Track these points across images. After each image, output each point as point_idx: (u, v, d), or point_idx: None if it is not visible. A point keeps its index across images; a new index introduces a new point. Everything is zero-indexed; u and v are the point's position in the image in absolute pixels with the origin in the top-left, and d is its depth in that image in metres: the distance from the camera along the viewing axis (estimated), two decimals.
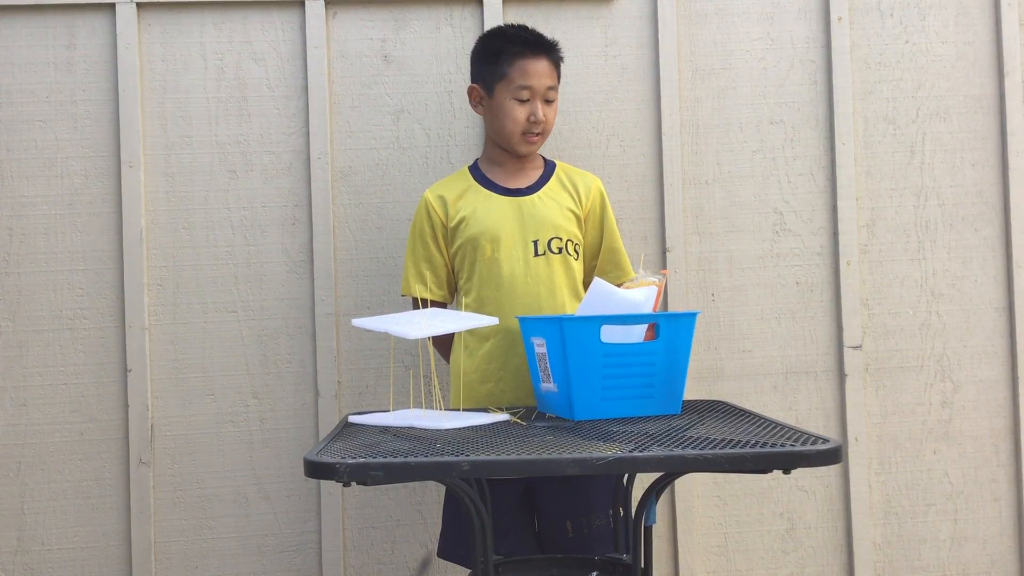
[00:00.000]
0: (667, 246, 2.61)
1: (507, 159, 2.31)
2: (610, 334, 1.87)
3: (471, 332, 2.22)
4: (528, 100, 2.24)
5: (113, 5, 2.53)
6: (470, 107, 2.34)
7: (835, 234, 2.65)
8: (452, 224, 2.27)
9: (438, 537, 2.33)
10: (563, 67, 2.61)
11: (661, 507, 2.55)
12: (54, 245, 2.52)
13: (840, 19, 2.65)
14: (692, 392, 2.54)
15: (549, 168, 2.34)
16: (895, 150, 2.68)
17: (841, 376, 2.64)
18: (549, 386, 1.94)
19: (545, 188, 2.30)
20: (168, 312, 2.54)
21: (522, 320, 2.07)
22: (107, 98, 2.54)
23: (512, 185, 2.29)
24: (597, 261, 2.33)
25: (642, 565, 1.75)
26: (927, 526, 2.65)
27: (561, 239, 2.25)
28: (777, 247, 2.65)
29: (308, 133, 2.56)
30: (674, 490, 2.60)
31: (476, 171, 2.33)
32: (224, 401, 2.54)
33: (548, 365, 1.92)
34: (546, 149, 2.58)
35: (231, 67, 2.57)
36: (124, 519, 2.51)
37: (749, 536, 2.63)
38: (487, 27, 2.57)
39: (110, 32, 2.54)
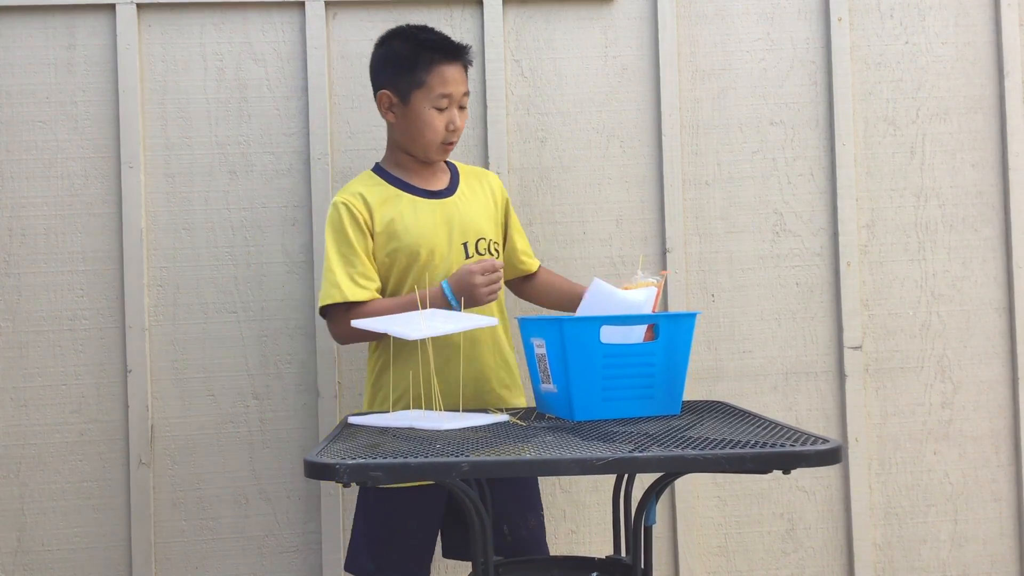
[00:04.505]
0: (667, 247, 2.61)
1: (414, 163, 2.24)
2: (610, 335, 1.87)
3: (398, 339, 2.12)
4: (446, 108, 2.17)
5: (113, 6, 2.53)
6: (381, 112, 2.22)
7: (835, 235, 2.65)
8: (379, 228, 2.15)
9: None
10: (564, 68, 2.63)
11: (661, 507, 2.55)
12: (54, 246, 2.52)
13: (840, 20, 2.65)
14: (692, 393, 2.54)
15: (453, 168, 2.30)
16: (895, 151, 2.68)
17: (841, 377, 2.64)
18: (549, 387, 1.94)
19: (460, 189, 2.26)
20: (168, 313, 2.54)
21: (522, 320, 2.07)
22: (107, 99, 2.54)
23: (432, 187, 2.23)
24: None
25: (642, 565, 1.75)
26: (927, 527, 2.65)
27: (487, 239, 2.22)
28: (777, 248, 2.65)
29: (308, 134, 2.56)
30: (674, 490, 2.60)
31: (387, 175, 2.23)
32: (224, 402, 2.54)
33: (548, 366, 1.92)
34: (547, 148, 2.59)
35: (231, 68, 2.57)
36: (124, 520, 2.51)
37: (749, 536, 2.63)
38: (487, 28, 2.58)
39: (110, 33, 2.54)
